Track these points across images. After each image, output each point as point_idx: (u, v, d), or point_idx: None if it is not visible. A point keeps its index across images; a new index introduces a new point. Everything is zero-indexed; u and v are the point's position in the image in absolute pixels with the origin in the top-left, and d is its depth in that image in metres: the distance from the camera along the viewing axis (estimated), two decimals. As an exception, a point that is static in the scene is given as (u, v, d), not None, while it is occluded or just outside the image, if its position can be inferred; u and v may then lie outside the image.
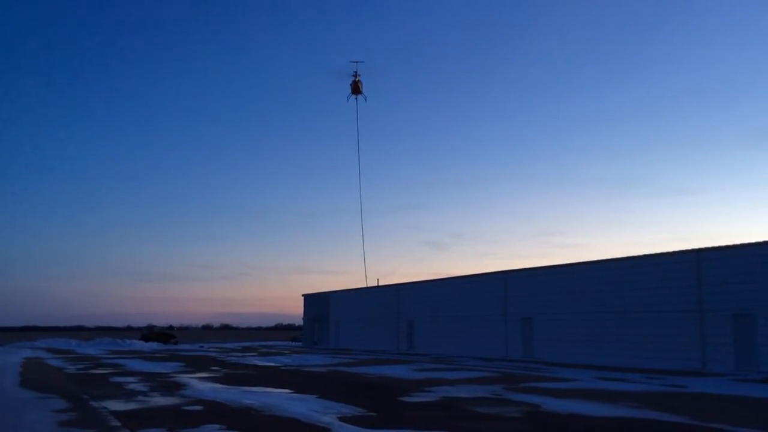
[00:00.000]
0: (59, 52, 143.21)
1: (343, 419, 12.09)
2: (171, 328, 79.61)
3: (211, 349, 50.33)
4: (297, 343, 63.84)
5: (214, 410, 13.46)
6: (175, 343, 65.09)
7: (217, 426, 11.28)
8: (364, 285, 53.82)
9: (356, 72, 50.08)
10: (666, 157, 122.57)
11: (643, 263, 29.00)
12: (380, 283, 52.21)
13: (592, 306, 30.93)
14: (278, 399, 15.45)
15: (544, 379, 21.23)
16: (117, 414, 12.94)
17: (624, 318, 29.25)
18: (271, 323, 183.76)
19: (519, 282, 35.89)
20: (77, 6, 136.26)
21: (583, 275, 31.99)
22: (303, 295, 61.44)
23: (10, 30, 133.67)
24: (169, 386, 18.93)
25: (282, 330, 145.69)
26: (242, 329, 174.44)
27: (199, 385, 19.33)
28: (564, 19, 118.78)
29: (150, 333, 71.08)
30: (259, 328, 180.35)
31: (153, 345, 59.58)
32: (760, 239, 24.83)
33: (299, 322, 65.31)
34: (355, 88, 50.77)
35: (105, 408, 13.94)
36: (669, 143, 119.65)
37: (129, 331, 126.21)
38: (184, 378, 21.95)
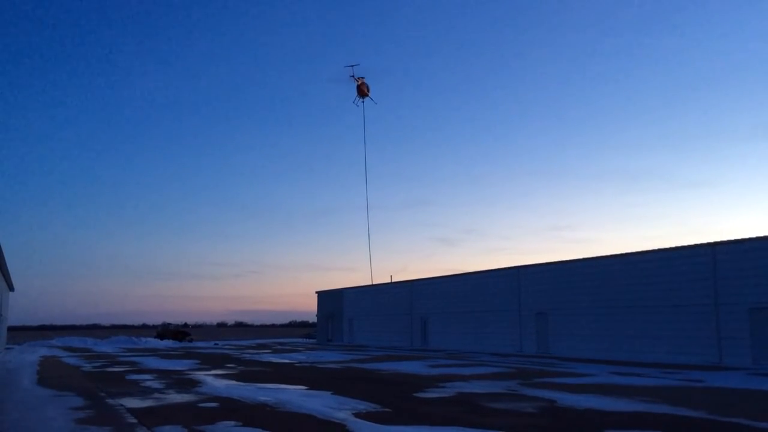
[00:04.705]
0: (66, 52, 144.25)
1: (358, 415, 12.09)
2: (186, 325, 79.86)
3: (225, 347, 50.60)
4: (311, 340, 64.02)
5: (229, 407, 13.51)
6: (190, 341, 65.49)
7: (232, 423, 11.32)
8: (375, 282, 54.00)
9: (353, 74, 50.11)
10: (678, 150, 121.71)
11: (659, 257, 28.78)
12: (392, 280, 52.28)
13: (607, 301, 30.76)
14: (293, 395, 15.49)
15: (559, 374, 21.14)
16: (133, 411, 13.03)
17: (639, 312, 29.06)
18: (285, 320, 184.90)
19: (533, 277, 35.74)
20: (81, 5, 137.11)
21: (597, 270, 31.80)
22: (316, 292, 61.60)
23: (10, 29, 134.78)
24: (184, 383, 19.04)
25: (296, 327, 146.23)
26: (256, 326, 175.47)
27: (215, 382, 19.43)
28: (573, 12, 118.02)
29: (165, 331, 71.46)
30: (273, 326, 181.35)
31: (168, 343, 59.98)
32: (777, 232, 24.56)
33: (313, 319, 65.68)
34: (361, 92, 50.86)
35: (121, 405, 14.04)
36: (681, 136, 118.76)
37: (144, 329, 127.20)
38: (200, 375, 22.06)
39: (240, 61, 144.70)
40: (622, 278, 30.22)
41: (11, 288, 51.84)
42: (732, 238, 26.07)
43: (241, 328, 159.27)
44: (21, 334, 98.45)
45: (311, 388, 17.45)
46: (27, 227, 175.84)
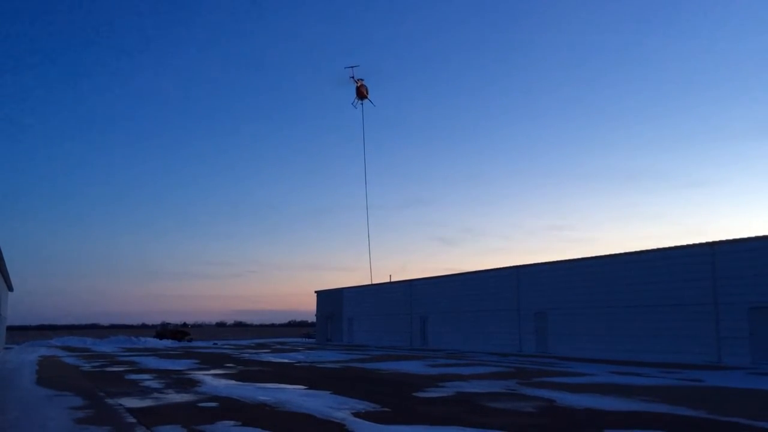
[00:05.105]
0: (66, 52, 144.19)
1: (357, 415, 12.09)
2: (185, 325, 79.94)
3: (225, 346, 50.58)
4: (310, 340, 63.99)
5: (228, 407, 13.50)
6: (189, 341, 65.45)
7: (231, 422, 11.31)
8: (374, 282, 54.05)
9: (352, 75, 50.30)
10: (677, 150, 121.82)
11: (658, 257, 28.77)
12: (392, 279, 52.30)
13: (607, 300, 30.76)
14: (292, 395, 15.49)
15: (558, 374, 21.14)
16: (132, 411, 13.02)
17: (638, 312, 29.06)
18: (284, 320, 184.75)
19: (532, 277, 35.74)
20: (85, 8, 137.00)
21: (597, 269, 31.80)
22: (316, 292, 61.57)
23: (11, 30, 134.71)
24: (183, 383, 19.03)
25: (295, 327, 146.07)
26: (255, 326, 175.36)
27: (214, 382, 19.42)
28: (573, 12, 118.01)
29: (164, 330, 71.44)
30: (272, 325, 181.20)
31: (167, 342, 59.94)
32: (776, 231, 24.56)
33: (312, 318, 65.61)
34: (360, 93, 51.08)
35: (121, 405, 14.03)
36: (680, 135, 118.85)
37: (143, 328, 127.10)
38: (199, 375, 22.05)
39: (241, 62, 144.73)
40: (622, 278, 30.22)
41: (10, 288, 51.81)
42: (731, 237, 26.13)
43: (241, 328, 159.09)
44: (20, 333, 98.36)
45: (310, 387, 17.45)
46: (26, 227, 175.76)
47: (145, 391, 16.81)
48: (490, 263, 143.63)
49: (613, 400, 14.03)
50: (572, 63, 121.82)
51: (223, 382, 19.37)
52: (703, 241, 27.05)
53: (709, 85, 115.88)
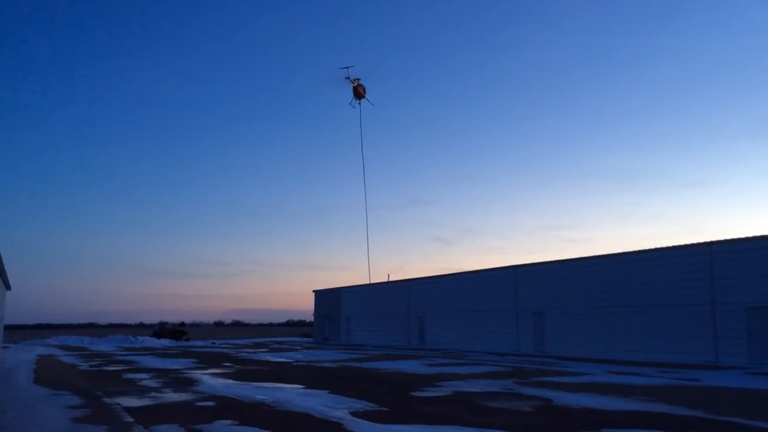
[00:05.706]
0: (66, 52, 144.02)
1: (355, 414, 12.09)
2: (183, 324, 80.00)
3: (222, 346, 50.54)
4: (308, 339, 63.97)
5: (226, 406, 13.49)
6: (187, 340, 65.39)
7: (229, 421, 11.31)
8: (372, 281, 54.08)
9: (348, 76, 50.35)
10: (675, 150, 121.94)
11: (656, 257, 28.81)
12: (390, 279, 52.30)
13: (605, 300, 30.79)
14: (290, 394, 15.48)
15: (555, 373, 21.16)
16: (130, 410, 13.01)
17: (636, 312, 29.10)
18: (282, 319, 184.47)
19: (530, 276, 35.77)
20: (84, 8, 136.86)
21: (594, 269, 31.83)
22: (314, 291, 61.55)
23: (11, 30, 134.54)
24: (181, 382, 19.01)
25: (293, 326, 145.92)
26: (253, 325, 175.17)
27: (212, 381, 19.40)
28: (571, 12, 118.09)
29: (162, 330, 71.38)
30: (270, 324, 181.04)
31: (165, 342, 59.92)
32: (774, 231, 24.59)
33: (310, 318, 65.58)
34: (357, 93, 51.17)
35: (118, 404, 14.01)
36: (677, 135, 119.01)
37: (141, 327, 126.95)
38: (197, 374, 22.03)
39: (239, 61, 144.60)
40: (619, 277, 30.25)
41: (8, 287, 51.74)
42: (729, 237, 26.16)
43: (239, 327, 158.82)
44: (18, 332, 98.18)
45: (308, 387, 17.44)
46: (24, 226, 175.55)
47: (142, 391, 16.79)
48: (489, 263, 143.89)
49: (610, 399, 14.05)
50: (571, 63, 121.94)
51: (221, 381, 19.36)
52: (701, 241, 27.13)
53: (708, 85, 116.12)
